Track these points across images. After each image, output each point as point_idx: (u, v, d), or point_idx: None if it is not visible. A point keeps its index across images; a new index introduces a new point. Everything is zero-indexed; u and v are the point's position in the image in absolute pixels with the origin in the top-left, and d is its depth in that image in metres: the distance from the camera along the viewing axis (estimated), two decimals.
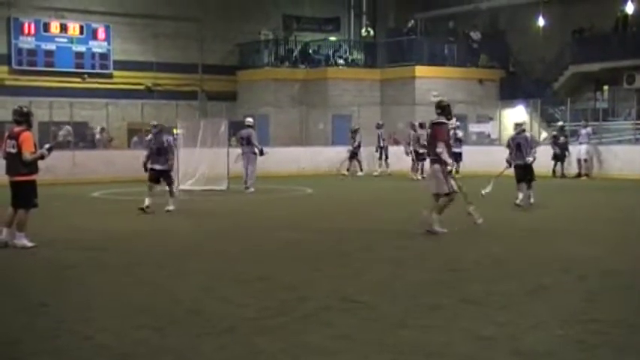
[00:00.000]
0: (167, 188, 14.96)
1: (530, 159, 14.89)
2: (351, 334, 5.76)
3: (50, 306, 6.85)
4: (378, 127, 26.78)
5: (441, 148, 10.99)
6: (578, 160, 24.16)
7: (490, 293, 7.13)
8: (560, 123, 26.24)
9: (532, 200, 14.93)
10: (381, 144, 26.77)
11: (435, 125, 11.39)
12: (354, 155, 26.37)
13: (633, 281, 7.91)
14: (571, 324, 6.00)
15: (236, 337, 5.74)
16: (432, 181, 11.43)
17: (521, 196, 14.85)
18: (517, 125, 15.93)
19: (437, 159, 11.15)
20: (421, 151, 23.11)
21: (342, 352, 5.33)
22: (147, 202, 14.42)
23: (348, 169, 26.27)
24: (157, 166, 14.79)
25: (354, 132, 26.47)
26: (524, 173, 14.97)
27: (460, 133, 24.45)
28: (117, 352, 5.40)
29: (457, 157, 21.18)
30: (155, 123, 15.50)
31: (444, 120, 11.33)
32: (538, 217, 13.83)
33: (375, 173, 26.32)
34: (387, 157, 26.79)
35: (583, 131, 24.40)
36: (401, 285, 7.62)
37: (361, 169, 26.52)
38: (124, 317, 6.34)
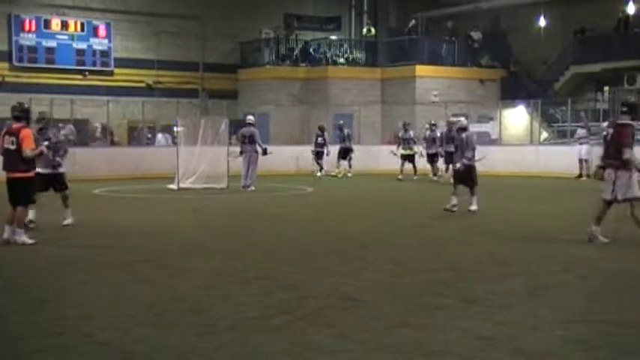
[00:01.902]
0: (61, 195, 12.40)
1: (465, 162, 13.71)
2: (351, 333, 5.76)
3: (51, 303, 6.85)
4: (340, 128, 26.19)
5: (628, 154, 9.78)
6: (580, 160, 24.11)
7: (490, 293, 7.13)
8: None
9: (474, 207, 13.72)
10: (346, 145, 25.66)
11: (619, 127, 10.08)
12: (319, 155, 25.57)
13: (634, 281, 7.90)
14: (572, 324, 6.00)
15: (237, 335, 5.74)
16: (612, 187, 10.04)
17: (454, 201, 13.70)
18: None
19: (619, 164, 9.88)
20: (432, 152, 22.95)
21: (343, 351, 5.33)
22: (30, 215, 11.57)
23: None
24: (42, 170, 11.54)
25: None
26: (463, 176, 13.87)
27: (412, 134, 24.04)
28: (118, 349, 5.40)
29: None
30: (41, 113, 12.54)
31: (629, 121, 10.09)
32: (539, 216, 13.82)
33: (334, 173, 25.34)
34: (350, 158, 25.68)
35: (582, 132, 24.34)
36: (401, 284, 7.62)
37: (321, 169, 25.80)
38: (124, 315, 6.34)
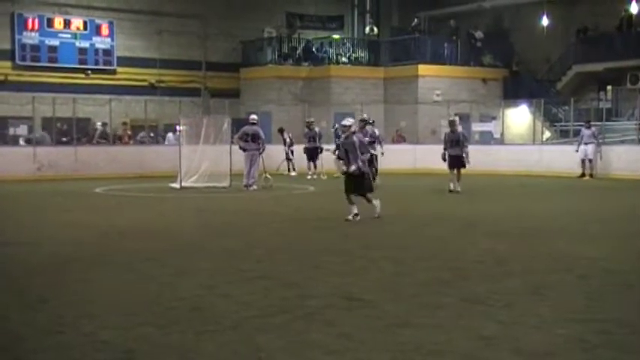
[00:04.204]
0: None
1: (353, 167, 12.59)
2: (352, 332, 5.76)
3: (52, 302, 6.85)
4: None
5: None
6: (582, 160, 24.10)
7: (492, 292, 7.12)
8: None
9: (377, 213, 12.84)
10: (315, 144, 24.97)
11: None
12: (290, 155, 25.32)
13: (635, 281, 7.90)
14: (573, 323, 5.99)
15: (238, 334, 5.74)
16: None
17: (354, 210, 12.63)
18: (345, 127, 13.07)
19: None
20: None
21: (344, 351, 5.32)
22: None
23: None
24: None
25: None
26: (355, 183, 12.75)
27: (377, 132, 21.57)
28: (119, 348, 5.40)
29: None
30: None
31: None
32: (540, 216, 13.81)
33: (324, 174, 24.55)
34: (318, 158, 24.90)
35: (586, 132, 24.32)
36: (403, 283, 7.62)
37: (294, 169, 25.69)
38: (126, 314, 6.34)
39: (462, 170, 18.14)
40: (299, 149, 26.01)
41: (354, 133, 13.03)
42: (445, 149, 18.22)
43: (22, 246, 9.95)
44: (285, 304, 6.64)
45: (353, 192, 12.81)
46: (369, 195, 12.91)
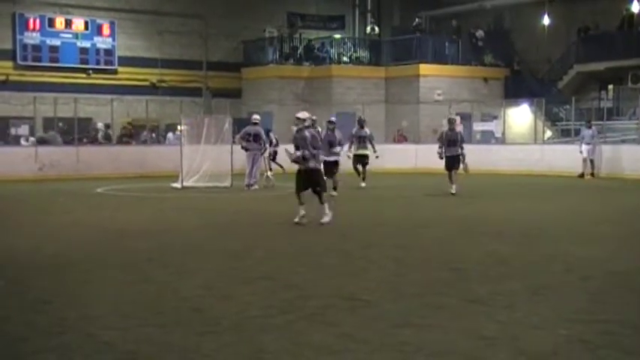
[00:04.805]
0: None
1: (298, 153, 12.00)
2: (353, 332, 5.76)
3: (53, 303, 6.86)
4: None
5: None
6: (584, 160, 24.07)
7: (493, 293, 7.12)
8: None
9: (326, 219, 12.05)
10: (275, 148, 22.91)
11: None
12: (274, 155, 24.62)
13: (637, 282, 7.90)
14: (574, 324, 5.99)
15: (240, 335, 5.74)
16: None
17: (301, 212, 12.13)
18: (298, 120, 12.40)
19: None
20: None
21: (345, 351, 5.33)
22: None
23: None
24: None
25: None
26: (309, 180, 12.19)
27: (368, 131, 20.31)
28: (121, 349, 5.41)
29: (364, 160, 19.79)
30: None
31: None
32: (541, 216, 13.81)
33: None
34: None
35: (587, 132, 24.30)
36: (403, 284, 7.62)
37: (270, 169, 24.98)
38: (127, 315, 6.35)
39: (460, 170, 17.71)
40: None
41: (307, 127, 12.34)
42: (441, 147, 17.60)
43: (23, 247, 9.95)
44: (286, 305, 6.64)
45: (306, 189, 12.07)
46: (324, 196, 12.17)
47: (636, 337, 5.75)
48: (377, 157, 20.03)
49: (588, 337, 5.63)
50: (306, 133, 12.22)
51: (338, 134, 18.09)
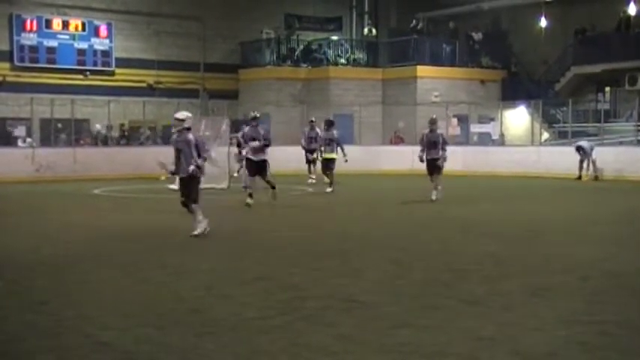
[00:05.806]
0: None
1: (192, 167, 11.03)
2: (351, 333, 5.76)
3: (51, 303, 6.85)
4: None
5: None
6: (580, 162, 24.04)
7: (491, 293, 7.13)
8: None
9: (198, 231, 11.00)
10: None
11: None
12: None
13: (636, 282, 7.90)
14: (573, 325, 5.99)
15: (237, 336, 5.74)
16: None
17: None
18: (177, 121, 11.15)
19: None
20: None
21: (343, 352, 5.33)
22: None
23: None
24: None
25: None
26: (183, 189, 11.47)
27: (336, 134, 19.76)
28: (118, 350, 5.40)
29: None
30: None
31: None
32: (539, 217, 13.82)
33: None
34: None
35: (586, 144, 24.24)
36: (401, 285, 7.62)
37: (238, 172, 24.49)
38: (125, 315, 6.34)
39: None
40: (295, 150, 25.64)
41: (188, 129, 10.98)
42: (423, 150, 16.33)
43: (21, 247, 9.93)
44: (284, 306, 6.64)
45: (182, 196, 11.26)
46: (193, 206, 11.01)
47: (635, 338, 5.76)
48: (346, 160, 19.44)
49: (586, 338, 5.64)
50: (190, 136, 11.00)
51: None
